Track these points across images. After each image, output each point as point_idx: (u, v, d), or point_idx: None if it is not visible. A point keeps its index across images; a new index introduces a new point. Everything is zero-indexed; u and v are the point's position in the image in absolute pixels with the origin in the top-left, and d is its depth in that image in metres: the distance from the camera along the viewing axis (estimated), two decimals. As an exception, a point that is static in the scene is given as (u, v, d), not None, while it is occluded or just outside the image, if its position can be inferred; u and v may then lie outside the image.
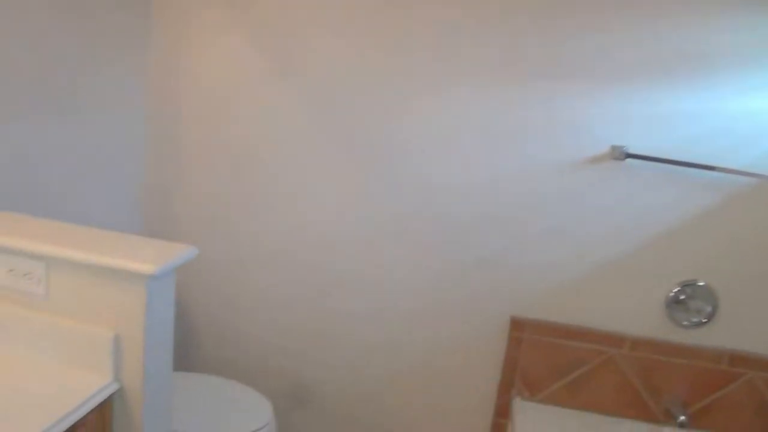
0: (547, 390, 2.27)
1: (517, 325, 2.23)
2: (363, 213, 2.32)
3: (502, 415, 2.33)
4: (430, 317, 2.36)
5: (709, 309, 2.12)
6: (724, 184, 2.04)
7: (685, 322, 2.14)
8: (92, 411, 1.33)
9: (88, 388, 1.32)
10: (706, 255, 2.11)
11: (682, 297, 2.13)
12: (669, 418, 2.18)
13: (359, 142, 2.27)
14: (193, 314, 2.60)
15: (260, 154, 2.37)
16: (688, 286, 2.12)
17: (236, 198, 2.44)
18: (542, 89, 2.09)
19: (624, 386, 2.21)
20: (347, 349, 2.47)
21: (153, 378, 1.43)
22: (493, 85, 2.12)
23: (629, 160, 2.04)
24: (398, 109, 2.21)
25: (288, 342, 2.52)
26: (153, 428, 1.47)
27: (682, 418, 2.08)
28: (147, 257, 1.33)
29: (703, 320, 2.13)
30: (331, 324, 2.46)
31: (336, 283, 2.42)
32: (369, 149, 2.27)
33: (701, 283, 2.12)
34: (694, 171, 2.02)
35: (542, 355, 2.24)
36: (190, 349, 2.63)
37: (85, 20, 1.97)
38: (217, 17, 2.31)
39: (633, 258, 2.14)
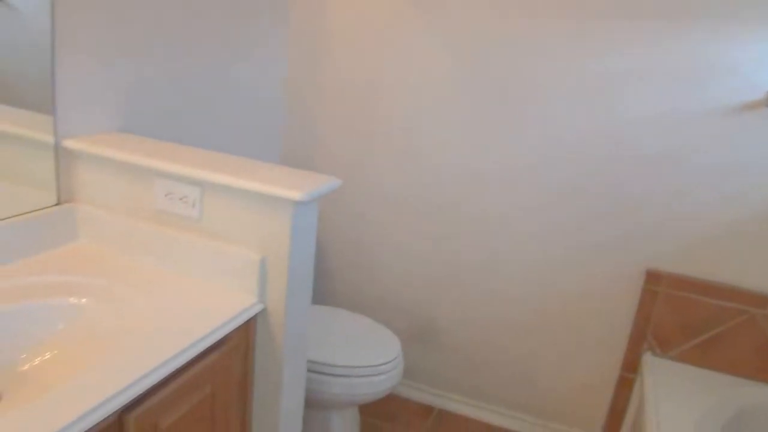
0: (680, 347, 2.20)
1: (653, 277, 2.16)
2: (497, 158, 2.31)
3: (630, 369, 2.28)
4: (563, 265, 2.33)
5: None
6: None
7: (840, 285, 2.01)
8: (238, 328, 1.41)
9: (235, 306, 1.40)
10: None
11: (837, 258, 1.99)
12: (813, 384, 2.07)
13: (497, 87, 2.25)
14: (328, 252, 2.69)
15: (398, 99, 2.39)
16: None
17: (372, 141, 2.48)
18: (695, 30, 1.97)
19: (764, 348, 2.11)
20: (475, 293, 2.48)
21: (294, 302, 1.49)
22: (639, 26, 2.03)
23: (788, 108, 1.91)
24: (539, 53, 2.16)
25: (417, 282, 2.57)
26: (292, 351, 1.54)
27: (829, 385, 1.97)
28: (294, 185, 1.38)
29: None
30: (460, 268, 2.48)
31: (467, 228, 2.43)
32: (507, 94, 2.24)
33: None
34: None
35: (677, 311, 2.16)
36: (325, 284, 2.73)
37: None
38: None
39: (785, 213, 2.02)
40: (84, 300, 1.35)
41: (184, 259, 1.51)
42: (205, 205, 1.48)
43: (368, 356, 2.06)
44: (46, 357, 1.27)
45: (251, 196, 1.42)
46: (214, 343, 1.31)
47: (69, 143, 1.56)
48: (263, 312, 1.48)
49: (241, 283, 1.46)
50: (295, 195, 1.35)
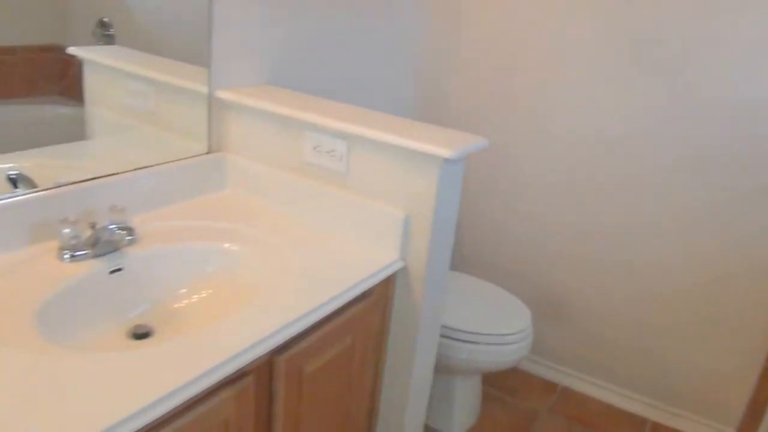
0: (838, 341, 2.03)
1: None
2: (641, 124, 2.18)
3: (776, 361, 2.14)
4: (707, 241, 2.19)
5: None
6: None
7: None
8: (380, 283, 1.40)
9: (378, 261, 1.40)
10: None
11: None
12: None
13: (646, 47, 2.12)
14: (459, 219, 2.65)
15: (534, 63, 2.31)
16: None
17: (506, 107, 2.41)
18: None
19: None
20: (610, 268, 2.38)
21: (435, 262, 1.48)
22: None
23: None
24: (700, 14, 2.02)
25: (548, 254, 2.49)
26: (429, 311, 1.53)
27: None
28: (442, 142, 1.36)
29: None
30: (595, 242, 2.38)
31: (604, 199, 2.32)
32: (655, 55, 2.11)
33: None
34: None
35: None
36: (454, 250, 2.71)
37: None
38: None
39: None
40: (235, 246, 1.39)
41: (329, 212, 1.52)
42: (352, 159, 1.48)
43: (498, 325, 2.02)
44: (199, 297, 1.32)
45: (399, 152, 1.40)
46: (358, 296, 1.32)
47: (222, 94, 1.60)
48: (403, 270, 1.47)
49: (383, 239, 1.45)
50: (445, 152, 1.32)
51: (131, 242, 1.29)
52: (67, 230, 1.21)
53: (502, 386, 2.54)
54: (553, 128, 2.34)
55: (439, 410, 2.21)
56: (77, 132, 1.35)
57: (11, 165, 1.25)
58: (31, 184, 1.30)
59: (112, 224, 1.24)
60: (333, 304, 1.22)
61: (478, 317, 2.06)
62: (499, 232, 2.58)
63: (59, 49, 1.26)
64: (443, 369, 2.09)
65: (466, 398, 2.23)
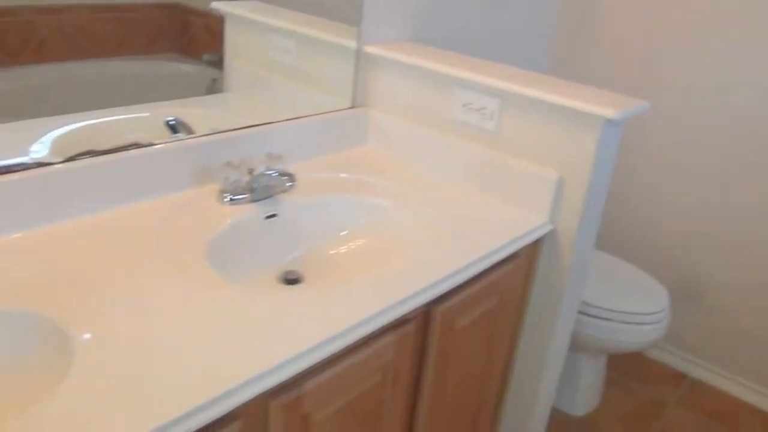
0: None
1: None
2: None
3: None
4: None
5: None
6: None
7: None
8: (525, 247, 1.36)
9: (527, 223, 1.36)
10: None
11: None
12: None
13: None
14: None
15: (686, 25, 2.17)
16: None
17: (652, 73, 2.28)
18: None
19: None
20: (754, 250, 2.21)
21: (586, 227, 1.42)
22: None
23: None
24: None
25: (689, 235, 2.34)
26: (575, 277, 1.47)
27: None
28: (603, 102, 1.30)
29: None
30: (747, 224, 2.22)
31: (753, 179, 2.16)
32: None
33: None
34: None
35: None
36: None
37: None
38: None
39: None
40: (384, 200, 1.38)
41: (475, 170, 1.48)
42: (504, 117, 1.43)
43: (635, 304, 1.94)
44: (349, 248, 1.32)
45: (554, 112, 1.35)
46: (506, 257, 1.28)
47: (371, 49, 1.59)
48: (552, 233, 1.42)
49: (532, 201, 1.40)
50: (608, 112, 1.26)
51: (290, 188, 1.31)
52: (229, 174, 1.24)
53: (628, 372, 2.44)
54: (702, 98, 2.20)
55: (562, 388, 2.15)
56: (207, 87, 1.35)
57: (164, 112, 1.27)
58: (189, 130, 1.33)
59: (270, 170, 1.26)
60: (485, 262, 1.20)
61: (614, 294, 1.97)
62: (635, 209, 2.45)
63: (179, 8, 1.27)
64: (572, 345, 2.03)
65: (591, 379, 2.16)
